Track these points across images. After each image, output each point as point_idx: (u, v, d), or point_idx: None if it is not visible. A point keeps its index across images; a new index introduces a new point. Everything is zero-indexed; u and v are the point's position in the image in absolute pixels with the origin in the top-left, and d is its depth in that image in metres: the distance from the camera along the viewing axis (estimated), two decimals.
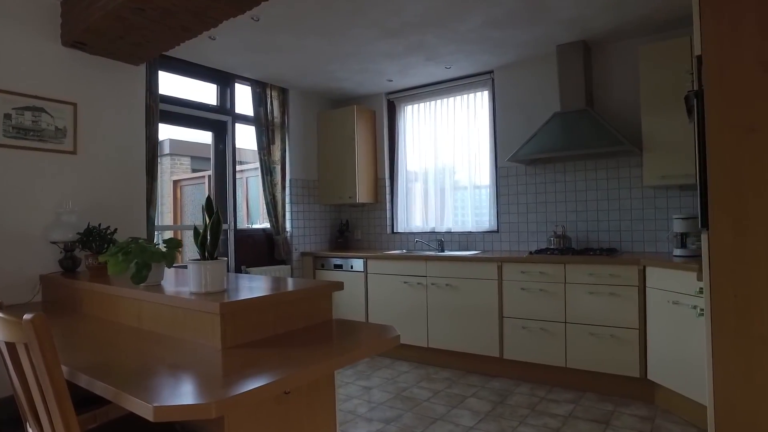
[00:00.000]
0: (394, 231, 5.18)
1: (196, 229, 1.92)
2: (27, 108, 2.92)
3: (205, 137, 7.01)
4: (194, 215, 7.09)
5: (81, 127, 3.15)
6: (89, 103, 3.20)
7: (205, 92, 4.37)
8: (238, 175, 4.57)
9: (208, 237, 1.89)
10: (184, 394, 1.27)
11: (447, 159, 4.84)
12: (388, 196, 5.18)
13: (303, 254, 4.92)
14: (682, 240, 3.32)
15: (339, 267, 4.67)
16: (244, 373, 1.41)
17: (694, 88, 1.78)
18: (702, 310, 2.41)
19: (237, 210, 4.54)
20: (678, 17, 3.47)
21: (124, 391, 1.27)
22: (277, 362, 1.50)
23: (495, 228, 4.50)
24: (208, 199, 1.96)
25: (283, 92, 4.79)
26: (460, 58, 4.24)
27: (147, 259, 2.09)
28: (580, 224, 4.04)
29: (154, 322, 1.98)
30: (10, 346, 1.37)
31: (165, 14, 2.75)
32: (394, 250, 4.95)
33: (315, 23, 3.45)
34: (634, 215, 3.82)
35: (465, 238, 4.65)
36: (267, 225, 4.74)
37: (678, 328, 2.88)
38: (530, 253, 3.83)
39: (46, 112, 3.01)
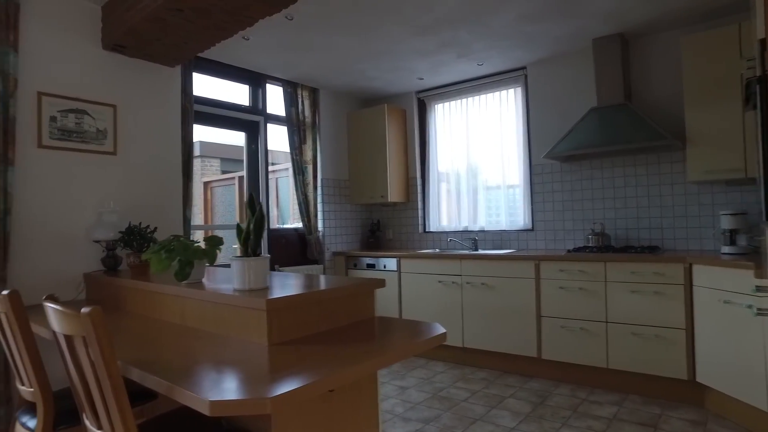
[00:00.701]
0: (426, 230, 5.14)
1: (239, 227, 1.91)
2: (71, 110, 2.99)
3: (234, 139, 7.09)
4: (224, 216, 7.18)
5: (120, 128, 3.21)
6: (128, 105, 3.26)
7: (237, 93, 4.41)
8: (269, 176, 4.60)
9: (252, 234, 1.88)
10: (236, 389, 1.25)
11: (479, 157, 4.78)
12: (419, 195, 5.14)
13: (335, 254, 4.92)
14: (731, 237, 3.19)
15: (371, 266, 4.65)
16: (292, 369, 1.39)
17: (756, 74, 1.69)
18: (760, 309, 2.30)
19: (269, 210, 4.56)
20: (721, 6, 3.35)
21: (178, 385, 1.27)
22: (323, 359, 1.48)
23: (530, 226, 4.42)
24: (251, 196, 1.96)
25: (313, 92, 4.80)
26: (493, 55, 4.18)
27: (189, 256, 2.10)
28: (619, 222, 3.93)
29: (198, 319, 1.99)
30: (68, 339, 1.38)
31: (202, 14, 2.78)
32: (427, 249, 4.90)
33: (347, 21, 3.44)
34: (676, 212, 3.69)
35: (499, 237, 4.58)
36: (299, 225, 4.76)
37: (730, 329, 2.76)
38: (568, 251, 3.74)
39: (88, 114, 3.07)
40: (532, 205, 4.40)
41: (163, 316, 2.20)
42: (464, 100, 4.90)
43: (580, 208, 4.11)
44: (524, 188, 4.47)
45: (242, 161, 4.52)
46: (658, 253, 3.35)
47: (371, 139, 5.01)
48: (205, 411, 1.17)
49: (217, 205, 7.03)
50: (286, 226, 4.98)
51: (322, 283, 2.07)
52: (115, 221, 2.99)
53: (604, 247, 3.69)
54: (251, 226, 1.88)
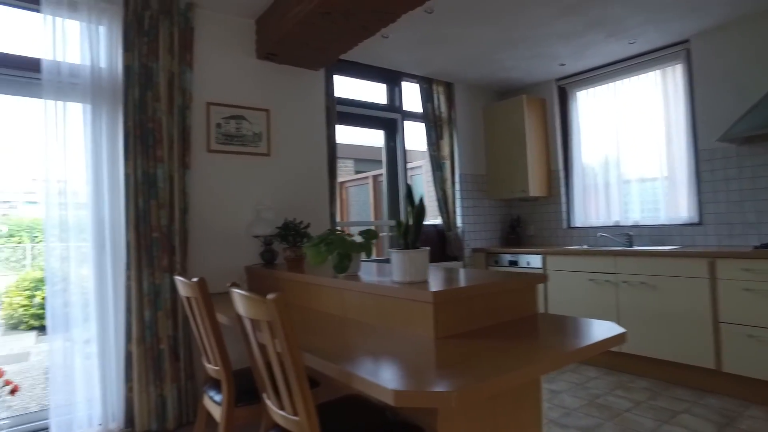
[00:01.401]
0: (571, 226, 4.80)
1: (398, 220, 1.90)
2: (232, 117, 3.27)
3: (367, 140, 7.30)
4: (359, 215, 7.46)
5: (273, 131, 3.44)
6: (279, 109, 3.48)
7: (375, 92, 4.51)
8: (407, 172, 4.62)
9: (411, 226, 1.86)
10: (414, 381, 1.21)
11: (630, 145, 4.34)
12: (563, 189, 4.81)
13: (474, 250, 4.81)
14: None
15: (514, 263, 4.46)
16: (465, 364, 1.33)
17: None
18: None
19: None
20: None
21: (359, 373, 1.27)
22: (494, 356, 1.40)
23: (696, 220, 3.89)
24: (409, 188, 1.94)
25: (448, 87, 4.74)
26: (648, 30, 3.75)
27: (347, 249, 2.15)
28: None
29: (358, 311, 2.02)
30: (254, 323, 1.46)
31: (348, 15, 2.86)
32: (572, 245, 4.57)
33: (487, 9, 3.31)
34: None
35: (657, 232, 4.10)
36: (437, 221, 4.72)
37: None
38: (754, 247, 3.21)
39: (246, 120, 3.33)
40: (698, 195, 3.87)
41: (322, 307, 2.28)
42: (611, 84, 4.49)
43: (765, 198, 3.51)
44: (688, 177, 3.95)
45: (375, 161, 4.61)
46: None
47: (509, 131, 4.81)
48: (389, 400, 1.15)
49: (352, 204, 7.33)
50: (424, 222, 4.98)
51: (484, 277, 1.98)
52: (272, 218, 3.21)
53: None
54: (410, 218, 1.85)
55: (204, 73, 3.15)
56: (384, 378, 1.23)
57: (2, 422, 2.57)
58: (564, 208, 4.81)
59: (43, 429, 2.64)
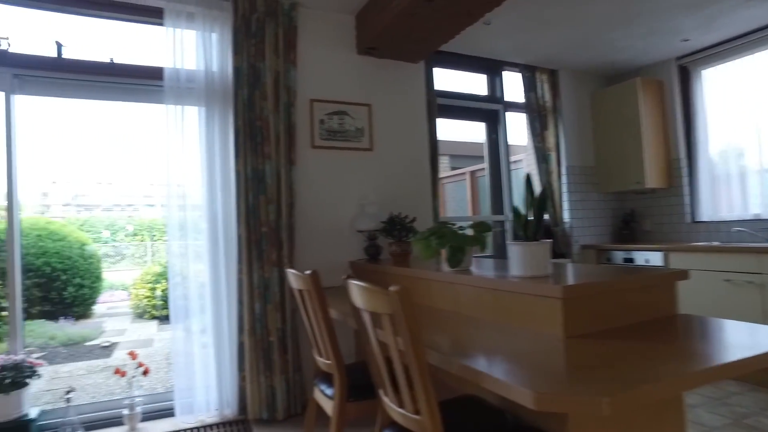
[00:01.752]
0: (696, 220, 4.30)
1: (516, 210, 1.77)
2: (335, 113, 3.30)
3: (463, 135, 7.13)
4: (455, 211, 7.33)
5: (375, 126, 3.42)
6: (380, 104, 3.45)
7: (474, 83, 4.36)
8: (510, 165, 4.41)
9: (532, 218, 1.72)
10: (546, 383, 1.09)
11: None
12: (685, 179, 4.33)
13: (583, 247, 4.48)
14: None
15: (629, 261, 4.08)
16: (607, 367, 1.18)
17: None
18: None
19: (513, 201, 4.37)
20: None
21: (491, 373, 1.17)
22: (636, 360, 1.23)
23: None
24: (528, 178, 1.79)
25: (552, 74, 4.46)
26: None
27: (461, 243, 2.05)
28: None
29: (473, 307, 1.91)
30: (374, 316, 1.41)
31: (450, 1, 2.75)
32: (698, 242, 4.09)
33: None
34: None
35: None
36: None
37: None
38: None
39: (348, 115, 3.35)
40: None
41: (432, 302, 2.20)
42: (747, 57, 3.95)
43: None
44: None
45: (470, 157, 4.46)
46: None
47: (621, 118, 4.42)
48: (528, 403, 1.04)
49: (448, 200, 7.21)
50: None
51: (614, 272, 1.79)
52: (375, 212, 3.19)
53: None
54: (531, 209, 1.72)
55: (307, 71, 3.20)
56: (515, 378, 1.12)
57: (137, 399, 2.79)
58: (687, 200, 4.32)
59: (169, 409, 2.82)
